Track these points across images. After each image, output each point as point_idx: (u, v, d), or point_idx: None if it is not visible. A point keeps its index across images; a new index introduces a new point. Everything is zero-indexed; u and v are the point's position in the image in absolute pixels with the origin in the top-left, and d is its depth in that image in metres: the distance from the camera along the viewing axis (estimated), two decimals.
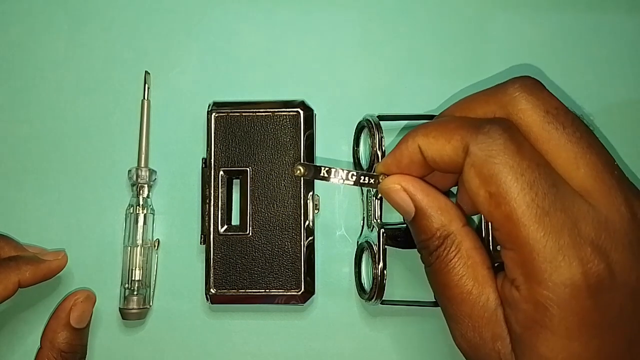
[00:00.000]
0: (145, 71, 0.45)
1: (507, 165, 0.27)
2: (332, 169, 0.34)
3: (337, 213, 0.45)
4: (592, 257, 0.27)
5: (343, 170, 0.35)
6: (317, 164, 0.35)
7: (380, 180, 0.34)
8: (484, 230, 0.44)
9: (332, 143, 0.45)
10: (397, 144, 0.33)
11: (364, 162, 0.44)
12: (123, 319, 0.43)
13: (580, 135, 0.29)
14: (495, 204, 0.28)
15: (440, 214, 0.32)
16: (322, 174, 0.34)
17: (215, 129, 0.43)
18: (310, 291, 0.42)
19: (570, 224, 0.27)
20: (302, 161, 0.42)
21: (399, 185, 0.33)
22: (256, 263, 0.42)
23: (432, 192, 0.32)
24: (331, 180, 0.34)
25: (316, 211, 0.43)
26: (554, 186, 0.27)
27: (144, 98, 0.45)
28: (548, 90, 0.30)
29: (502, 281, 0.31)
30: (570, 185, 0.28)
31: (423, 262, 0.34)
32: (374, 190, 0.42)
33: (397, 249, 0.42)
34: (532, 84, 0.31)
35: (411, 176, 0.33)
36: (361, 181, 0.35)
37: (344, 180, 0.35)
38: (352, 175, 0.34)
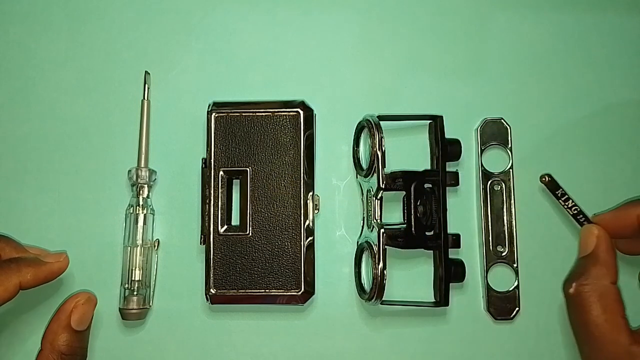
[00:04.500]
0: (145, 71, 0.45)
1: None
2: (568, 196, 0.41)
3: (337, 213, 0.45)
4: None
5: (572, 202, 0.41)
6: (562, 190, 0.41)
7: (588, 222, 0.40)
8: (484, 230, 0.44)
9: (332, 143, 0.46)
10: (620, 207, 0.39)
11: (363, 162, 0.44)
12: (123, 319, 0.43)
13: None
14: None
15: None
16: (558, 193, 0.41)
17: (215, 129, 0.43)
18: (310, 291, 0.42)
19: None
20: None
21: (596, 231, 0.39)
22: (256, 263, 0.42)
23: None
24: (561, 202, 0.41)
25: (316, 211, 0.43)
26: None
27: (144, 98, 0.45)
28: None
29: None
30: None
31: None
32: (374, 190, 0.42)
33: (397, 249, 0.42)
34: None
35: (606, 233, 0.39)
36: (578, 218, 0.40)
37: (566, 209, 0.41)
38: (576, 209, 0.40)
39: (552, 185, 0.42)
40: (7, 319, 0.43)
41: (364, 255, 0.43)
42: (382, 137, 0.41)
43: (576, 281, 0.38)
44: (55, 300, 0.43)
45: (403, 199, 0.43)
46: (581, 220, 0.40)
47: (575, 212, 0.41)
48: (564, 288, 0.38)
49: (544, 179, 0.42)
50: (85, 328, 0.39)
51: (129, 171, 0.44)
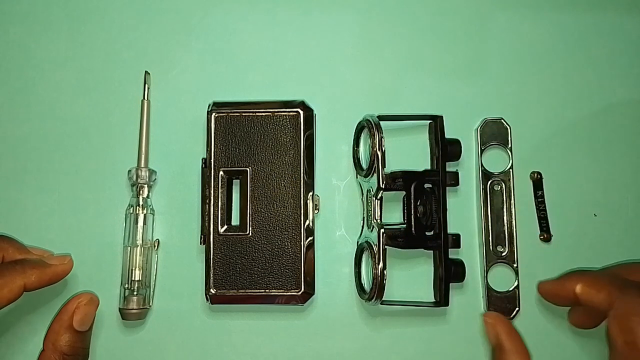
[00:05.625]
0: (145, 71, 0.45)
1: None
2: (543, 200, 0.44)
3: (337, 213, 0.45)
4: None
5: (543, 207, 0.44)
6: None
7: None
8: (484, 230, 0.44)
9: (332, 143, 0.45)
10: (560, 278, 0.39)
11: (363, 162, 0.44)
12: (123, 319, 0.43)
13: None
14: (629, 349, 0.34)
15: None
16: (538, 194, 0.44)
17: (215, 129, 0.43)
18: (310, 291, 0.42)
19: None
20: (301, 167, 0.42)
21: (490, 320, 0.40)
22: (256, 263, 0.42)
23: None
24: (535, 201, 0.44)
25: (316, 211, 0.43)
26: None
27: (144, 98, 0.45)
28: None
29: None
30: None
31: None
32: (374, 190, 0.42)
33: (397, 249, 0.42)
34: None
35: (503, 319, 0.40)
36: (542, 222, 0.44)
37: (537, 210, 0.45)
38: (543, 214, 0.44)
39: (537, 184, 0.44)
40: (10, 319, 0.43)
41: (364, 255, 0.43)
42: (382, 137, 0.41)
43: None
44: (57, 301, 0.43)
45: (403, 199, 0.43)
46: (542, 225, 0.44)
47: (542, 216, 0.44)
48: None
49: (533, 175, 0.44)
50: (87, 328, 0.39)
51: (129, 171, 0.44)
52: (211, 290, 0.42)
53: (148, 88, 0.45)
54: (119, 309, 0.42)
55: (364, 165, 0.44)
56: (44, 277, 0.38)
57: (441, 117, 0.43)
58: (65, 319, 0.38)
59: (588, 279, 0.38)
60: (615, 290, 0.36)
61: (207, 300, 0.42)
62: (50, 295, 0.43)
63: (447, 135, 0.43)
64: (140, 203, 0.43)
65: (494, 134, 0.45)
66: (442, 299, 0.42)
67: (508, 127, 0.45)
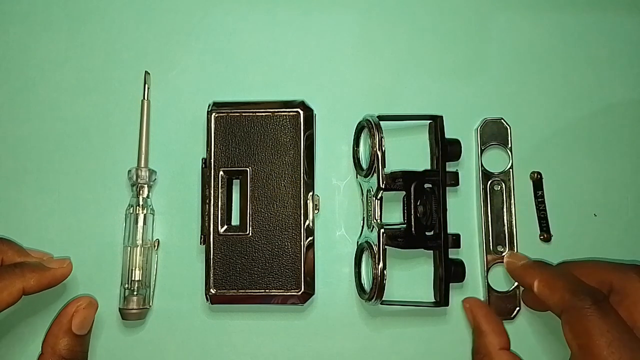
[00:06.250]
0: (145, 71, 0.45)
1: (594, 326, 0.35)
2: (543, 199, 0.44)
3: (337, 213, 0.45)
4: None
5: (543, 207, 0.45)
6: None
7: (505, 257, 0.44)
8: (484, 230, 0.44)
9: (332, 143, 0.45)
10: (523, 266, 0.41)
11: (363, 162, 0.44)
12: (123, 319, 0.43)
13: None
14: (582, 353, 0.35)
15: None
16: (538, 194, 0.45)
17: (215, 129, 0.43)
18: (310, 291, 0.42)
19: None
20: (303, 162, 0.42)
21: (467, 305, 0.43)
22: (256, 263, 0.42)
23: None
24: (535, 201, 0.45)
25: (316, 211, 0.43)
26: (631, 350, 0.34)
27: (144, 98, 0.45)
28: None
29: None
30: None
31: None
32: (374, 190, 0.42)
33: (397, 249, 0.42)
34: None
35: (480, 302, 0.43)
36: (542, 222, 0.44)
37: (537, 210, 0.45)
38: (543, 214, 0.44)
39: (537, 184, 0.44)
40: (9, 322, 0.43)
41: (364, 255, 0.43)
42: (382, 137, 0.41)
43: (473, 358, 0.41)
44: (56, 304, 0.43)
45: (403, 199, 0.43)
46: (542, 225, 0.44)
47: (542, 216, 0.44)
48: None
49: (533, 175, 0.44)
50: (86, 332, 0.39)
51: (129, 171, 0.44)
52: (211, 290, 0.42)
53: (148, 88, 0.45)
54: (119, 309, 0.42)
55: (364, 165, 0.44)
56: (43, 280, 0.38)
57: (441, 117, 0.43)
58: (64, 322, 0.38)
59: (545, 277, 0.39)
60: (567, 294, 0.36)
61: (207, 300, 0.42)
62: (52, 296, 0.43)
63: (447, 135, 0.43)
64: (140, 203, 0.43)
65: (494, 134, 0.45)
66: (442, 299, 0.42)
67: (508, 127, 0.45)
